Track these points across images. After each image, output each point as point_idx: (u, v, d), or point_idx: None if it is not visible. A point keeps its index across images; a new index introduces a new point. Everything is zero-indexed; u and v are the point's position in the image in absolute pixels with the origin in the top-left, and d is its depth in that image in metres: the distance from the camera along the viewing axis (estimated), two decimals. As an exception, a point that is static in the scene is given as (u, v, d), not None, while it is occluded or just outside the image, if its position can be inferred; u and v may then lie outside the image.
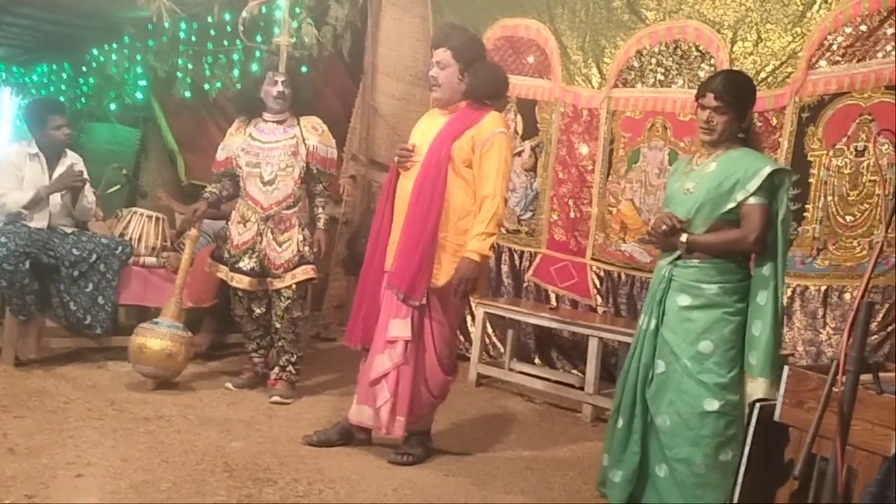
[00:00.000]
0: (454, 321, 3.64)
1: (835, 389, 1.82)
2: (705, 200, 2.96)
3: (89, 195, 4.79)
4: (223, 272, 4.37)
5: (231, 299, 4.50)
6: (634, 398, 3.09)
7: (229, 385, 4.44)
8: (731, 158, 2.97)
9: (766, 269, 2.92)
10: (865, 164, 4.04)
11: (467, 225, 3.41)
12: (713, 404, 2.89)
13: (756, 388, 2.86)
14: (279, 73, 4.41)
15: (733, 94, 2.97)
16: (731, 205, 2.92)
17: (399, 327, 3.43)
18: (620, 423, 3.13)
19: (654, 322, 3.07)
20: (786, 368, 2.50)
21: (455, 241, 3.41)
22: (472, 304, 5.43)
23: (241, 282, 4.31)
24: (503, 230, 5.47)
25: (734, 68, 4.29)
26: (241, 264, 4.29)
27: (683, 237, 2.98)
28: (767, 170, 2.89)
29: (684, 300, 2.99)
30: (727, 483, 2.75)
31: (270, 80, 4.35)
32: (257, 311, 4.41)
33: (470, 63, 3.46)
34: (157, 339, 4.15)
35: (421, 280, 3.39)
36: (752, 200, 2.89)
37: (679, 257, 3.02)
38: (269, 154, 4.30)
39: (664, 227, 3.00)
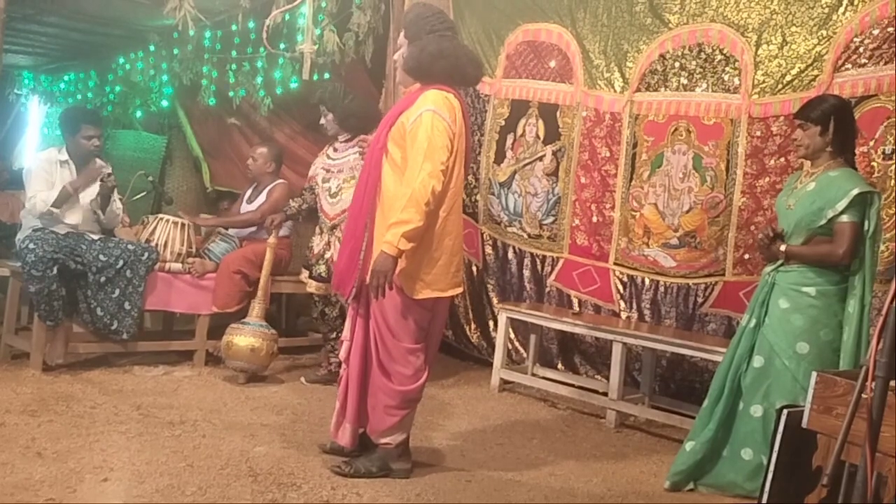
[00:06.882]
0: (399, 326, 3.21)
1: (864, 395, 1.80)
2: (802, 217, 3.35)
3: (116, 202, 4.85)
4: (304, 276, 4.86)
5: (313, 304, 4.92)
6: (723, 385, 3.47)
7: (303, 380, 4.80)
8: (827, 179, 3.32)
9: (856, 280, 3.27)
10: (893, 167, 3.98)
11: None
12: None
13: None
14: (322, 106, 4.78)
15: (812, 111, 3.38)
16: (823, 222, 3.29)
17: (346, 326, 3.43)
18: (706, 403, 3.51)
19: (753, 321, 3.44)
20: (813, 374, 2.48)
21: (383, 233, 3.11)
22: (495, 310, 5.43)
23: (311, 286, 4.82)
24: (524, 234, 5.46)
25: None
26: (314, 270, 4.79)
27: (783, 247, 3.39)
28: (855, 192, 3.22)
29: (784, 303, 3.36)
30: None
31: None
32: (330, 314, 4.82)
33: (415, 41, 3.23)
34: (242, 336, 4.60)
35: (348, 274, 3.24)
36: (843, 218, 3.24)
37: (782, 264, 3.40)
38: (336, 169, 4.77)
39: (761, 235, 3.48)
